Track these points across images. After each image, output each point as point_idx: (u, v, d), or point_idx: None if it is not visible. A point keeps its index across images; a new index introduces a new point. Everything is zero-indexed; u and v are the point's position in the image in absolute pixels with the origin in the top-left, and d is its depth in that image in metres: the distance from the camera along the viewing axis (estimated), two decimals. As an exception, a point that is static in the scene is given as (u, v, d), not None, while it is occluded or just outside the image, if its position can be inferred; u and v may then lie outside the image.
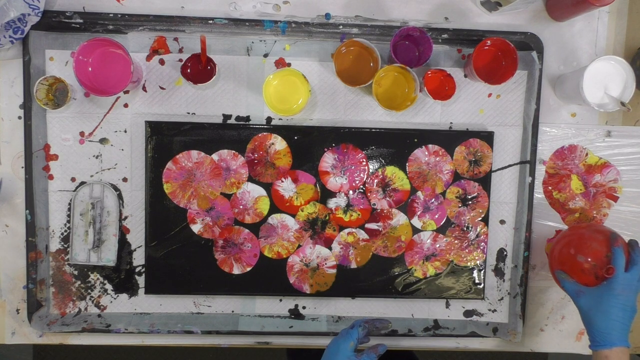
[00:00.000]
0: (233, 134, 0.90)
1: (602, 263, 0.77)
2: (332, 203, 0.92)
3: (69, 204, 0.91)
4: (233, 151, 0.91)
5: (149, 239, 0.91)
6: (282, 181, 0.91)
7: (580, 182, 0.96)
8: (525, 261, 0.94)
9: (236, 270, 0.92)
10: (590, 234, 0.81)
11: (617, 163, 0.96)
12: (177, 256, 0.91)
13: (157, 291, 0.92)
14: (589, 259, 0.78)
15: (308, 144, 0.91)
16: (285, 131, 0.91)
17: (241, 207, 0.91)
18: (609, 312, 0.75)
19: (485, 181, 0.93)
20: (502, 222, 0.95)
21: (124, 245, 0.92)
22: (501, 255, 0.96)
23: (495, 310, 0.96)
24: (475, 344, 0.97)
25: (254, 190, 0.91)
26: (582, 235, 0.81)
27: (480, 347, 0.97)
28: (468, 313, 0.96)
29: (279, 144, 0.91)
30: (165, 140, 0.90)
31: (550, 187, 0.96)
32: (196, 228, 0.91)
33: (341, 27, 0.90)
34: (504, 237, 0.95)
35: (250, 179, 0.91)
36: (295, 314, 0.95)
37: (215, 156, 0.91)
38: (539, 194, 0.96)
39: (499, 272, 0.96)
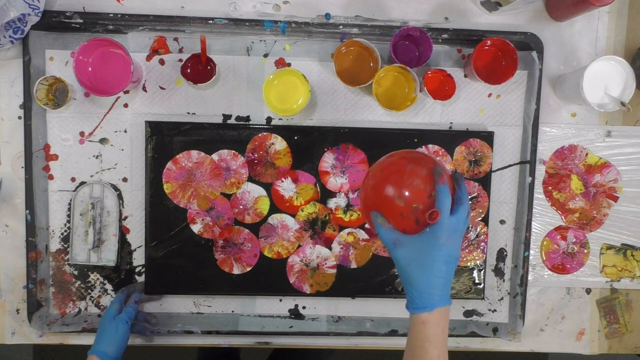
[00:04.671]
0: (233, 134, 0.90)
1: (425, 205, 0.62)
2: (332, 203, 0.92)
3: (69, 204, 0.91)
4: (233, 151, 0.91)
5: (149, 239, 0.91)
6: (282, 181, 0.91)
7: (580, 182, 0.96)
8: (525, 261, 0.94)
9: (236, 270, 0.92)
10: (411, 168, 0.63)
11: (617, 163, 0.96)
12: (177, 256, 0.91)
13: (157, 291, 0.92)
14: (410, 200, 0.62)
15: (308, 144, 0.91)
16: (285, 131, 0.91)
17: (241, 207, 0.91)
18: (431, 268, 0.61)
19: (485, 181, 0.93)
20: (502, 222, 0.95)
21: (124, 245, 0.92)
22: (501, 255, 0.96)
23: (495, 310, 0.96)
24: (475, 344, 0.97)
25: (254, 190, 0.91)
26: (402, 168, 0.64)
27: (480, 347, 0.97)
28: (468, 313, 0.96)
29: (279, 144, 0.91)
30: (165, 140, 0.90)
31: (550, 187, 0.96)
32: (196, 228, 0.91)
33: (341, 27, 0.90)
34: (504, 237, 0.95)
35: (250, 179, 0.91)
36: (295, 314, 0.94)
37: (215, 156, 0.91)
38: (539, 194, 0.96)
39: (499, 272, 0.96)
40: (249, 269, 0.92)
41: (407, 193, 0.62)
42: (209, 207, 0.91)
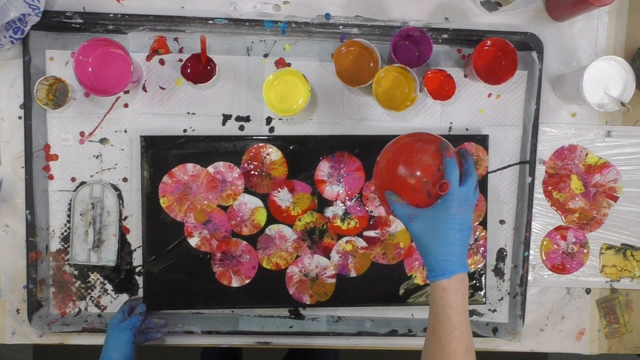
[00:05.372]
0: (228, 145, 0.90)
1: (434, 179, 0.66)
2: (329, 212, 0.92)
3: (69, 204, 0.91)
4: (229, 163, 0.90)
5: (147, 254, 0.90)
6: (279, 191, 0.91)
7: (580, 182, 0.96)
8: (525, 261, 0.94)
9: (235, 283, 0.92)
10: (419, 146, 0.68)
11: (617, 163, 0.96)
12: (175, 271, 0.91)
13: (157, 307, 0.91)
14: (420, 175, 0.67)
15: (303, 153, 0.91)
16: (280, 141, 0.90)
17: (238, 219, 0.91)
18: (446, 236, 0.65)
19: (481, 184, 0.93)
20: (502, 222, 0.95)
21: (124, 245, 0.92)
22: (501, 255, 0.96)
23: (495, 310, 0.96)
24: (476, 344, 0.96)
25: (251, 202, 0.91)
26: (410, 147, 0.69)
27: (480, 347, 0.97)
28: (468, 313, 0.96)
29: (274, 154, 0.90)
30: (160, 154, 0.89)
31: (550, 187, 0.96)
32: (194, 241, 0.91)
33: (341, 27, 0.90)
34: (504, 237, 0.95)
35: (247, 190, 0.91)
36: (295, 314, 0.94)
37: (210, 168, 0.90)
38: (539, 194, 0.96)
39: (498, 272, 0.96)
40: (247, 281, 0.92)
41: (417, 169, 0.67)
42: (205, 220, 0.91)
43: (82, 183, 0.91)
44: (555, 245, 0.96)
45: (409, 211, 0.67)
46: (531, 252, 0.96)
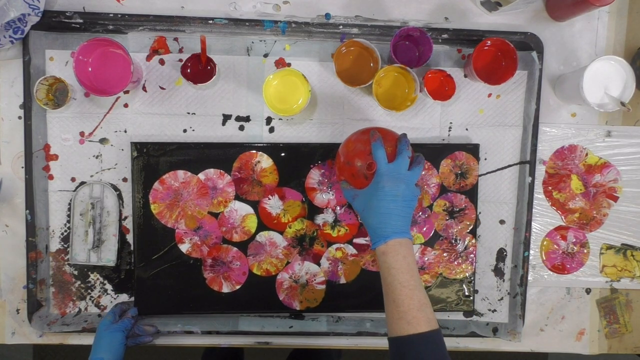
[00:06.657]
0: (219, 152, 0.90)
1: (367, 162, 0.77)
2: (319, 219, 0.92)
3: (69, 204, 0.91)
4: (219, 170, 0.90)
5: (138, 260, 0.90)
6: (269, 199, 0.91)
7: (580, 182, 0.96)
8: (525, 261, 0.94)
9: (225, 289, 0.92)
10: (356, 137, 0.80)
11: (617, 163, 0.96)
12: (166, 276, 0.91)
13: (148, 312, 0.91)
14: (356, 162, 0.78)
15: (294, 161, 0.91)
16: (271, 149, 0.90)
17: (229, 225, 0.91)
18: (379, 207, 0.74)
19: (472, 193, 0.93)
20: (502, 222, 0.95)
21: (123, 245, 0.92)
22: (501, 255, 0.96)
23: (495, 310, 0.96)
24: (475, 344, 0.97)
25: (241, 209, 0.91)
26: (349, 141, 0.81)
27: (480, 347, 0.97)
28: (468, 313, 0.96)
29: (264, 161, 0.90)
30: (151, 161, 0.89)
31: (550, 187, 0.96)
32: (184, 248, 0.91)
33: (341, 27, 0.90)
34: (504, 237, 0.95)
35: (237, 198, 0.91)
36: (295, 314, 0.94)
37: (201, 175, 0.90)
38: (539, 194, 0.96)
39: (498, 272, 0.96)
40: (238, 287, 0.92)
41: (353, 157, 0.78)
42: (196, 226, 0.91)
43: (82, 183, 0.91)
44: (555, 245, 0.96)
45: (353, 193, 0.78)
46: (531, 252, 0.96)
